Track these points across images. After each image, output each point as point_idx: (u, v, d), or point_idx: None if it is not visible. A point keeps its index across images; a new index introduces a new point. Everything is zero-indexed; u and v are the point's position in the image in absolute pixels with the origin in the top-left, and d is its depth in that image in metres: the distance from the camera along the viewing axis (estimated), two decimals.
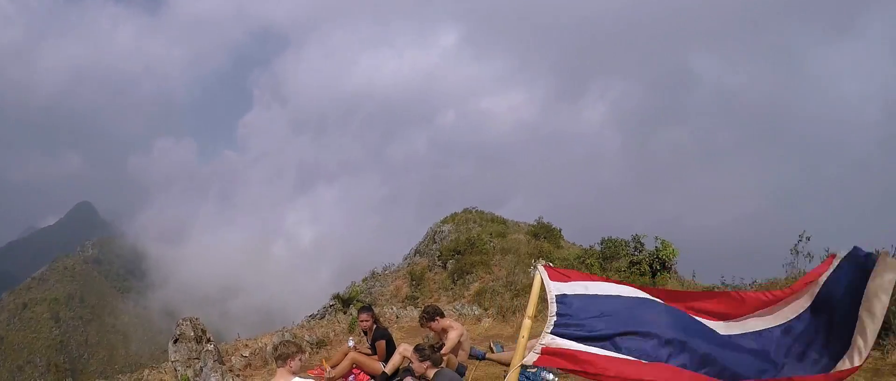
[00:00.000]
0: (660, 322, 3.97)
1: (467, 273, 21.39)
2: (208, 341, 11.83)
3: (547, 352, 3.84)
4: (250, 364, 11.84)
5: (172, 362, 11.59)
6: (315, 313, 23.55)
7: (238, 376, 10.43)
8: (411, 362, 7.74)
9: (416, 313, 16.63)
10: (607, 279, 4.50)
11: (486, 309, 16.25)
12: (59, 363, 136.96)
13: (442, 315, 9.90)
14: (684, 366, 3.76)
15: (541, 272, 4.39)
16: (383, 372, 9.65)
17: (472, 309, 16.38)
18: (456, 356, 9.52)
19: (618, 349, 3.85)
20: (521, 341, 4.09)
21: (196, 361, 10.96)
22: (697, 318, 4.10)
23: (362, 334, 10.90)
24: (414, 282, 23.33)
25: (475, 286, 19.98)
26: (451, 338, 9.46)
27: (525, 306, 14.35)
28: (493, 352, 10.97)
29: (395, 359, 9.61)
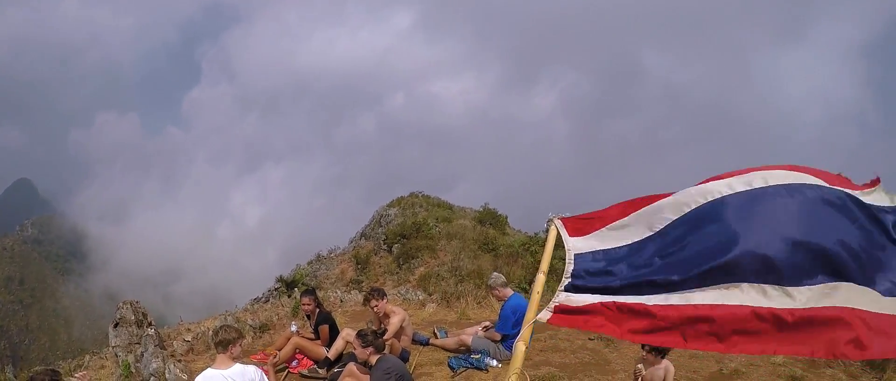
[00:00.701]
0: (704, 244, 3.37)
1: (412, 258, 21.43)
2: (149, 325, 11.67)
3: (560, 310, 3.65)
4: (193, 349, 11.72)
5: (113, 347, 11.42)
6: (259, 296, 23.36)
7: (180, 361, 10.32)
8: (354, 347, 7.75)
9: (360, 297, 16.63)
10: (642, 202, 4.07)
11: (430, 294, 16.31)
12: None
13: (385, 297, 9.95)
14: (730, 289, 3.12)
15: (557, 226, 4.30)
16: (326, 357, 9.66)
17: (416, 294, 16.44)
18: (399, 341, 9.59)
19: (640, 293, 3.48)
20: (535, 296, 3.84)
21: (137, 346, 10.82)
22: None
23: (305, 318, 10.88)
24: (359, 266, 23.30)
25: (420, 271, 20.03)
26: (394, 323, 9.51)
27: (469, 292, 14.50)
28: (437, 338, 11.08)
29: (339, 344, 9.63)
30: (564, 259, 3.97)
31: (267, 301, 19.84)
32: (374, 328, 9.24)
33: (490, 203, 27.63)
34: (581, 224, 4.28)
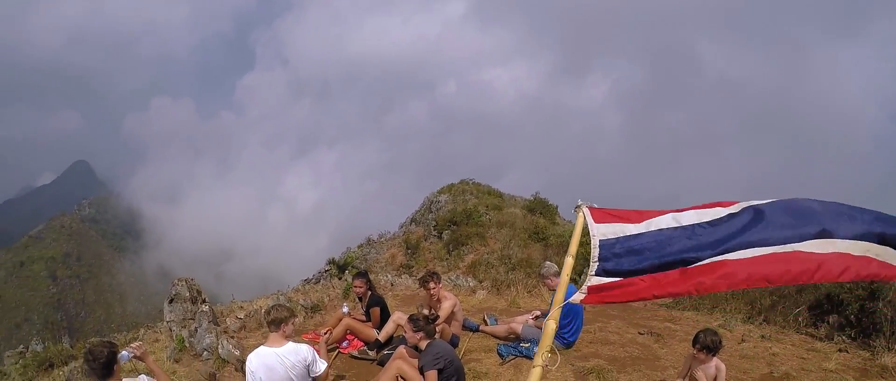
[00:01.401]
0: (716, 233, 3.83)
1: (462, 245, 21.43)
2: (203, 302, 11.88)
3: (593, 290, 3.80)
4: (245, 326, 11.91)
5: (168, 322, 11.66)
6: (310, 277, 23.62)
7: (233, 337, 10.49)
8: (405, 331, 7.80)
9: (411, 281, 16.70)
10: (658, 213, 4.31)
11: (480, 281, 16.32)
12: (55, 320, 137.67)
13: (441, 281, 9.98)
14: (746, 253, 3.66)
15: (584, 213, 4.35)
16: (377, 339, 9.73)
17: (466, 281, 16.45)
18: (449, 326, 9.61)
19: (665, 268, 3.76)
20: (564, 278, 4.05)
21: (191, 321, 11.02)
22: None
23: (357, 300, 10.96)
24: (409, 251, 23.40)
25: (470, 258, 20.04)
26: (445, 308, 9.53)
27: (519, 281, 14.45)
28: (486, 325, 11.07)
29: (389, 327, 9.69)
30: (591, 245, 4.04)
31: (318, 282, 20.03)
32: (425, 312, 9.28)
33: (540, 193, 27.53)
34: (607, 215, 4.34)
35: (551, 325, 3.75)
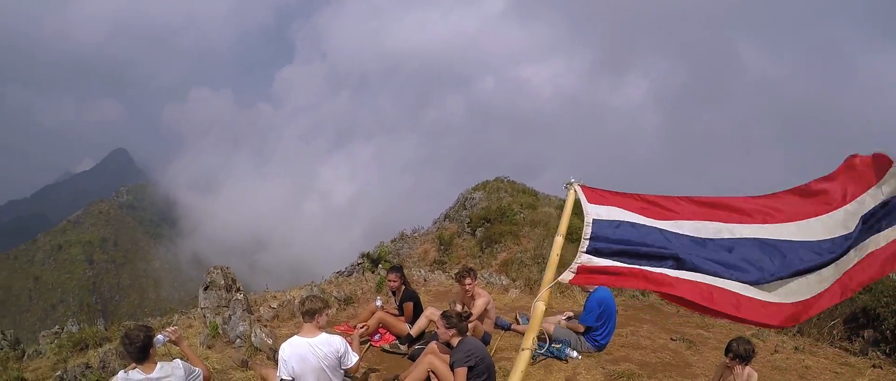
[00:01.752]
0: (707, 250, 3.84)
1: (496, 242, 21.38)
2: (238, 290, 12.01)
3: (583, 270, 3.73)
4: (278, 316, 11.99)
5: (202, 308, 11.80)
6: (342, 270, 23.71)
7: (265, 326, 10.58)
8: (437, 327, 7.79)
9: (443, 277, 16.70)
10: (647, 201, 4.32)
11: (513, 280, 16.27)
12: (90, 303, 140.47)
13: (476, 278, 9.97)
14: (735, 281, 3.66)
15: (577, 192, 4.31)
16: (409, 334, 9.75)
17: (499, 279, 16.41)
18: (482, 323, 9.60)
19: (657, 265, 3.73)
20: (553, 258, 3.92)
21: (225, 309, 11.14)
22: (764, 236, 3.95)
23: (390, 294, 10.99)
24: (442, 247, 23.38)
25: (503, 256, 19.98)
26: (479, 306, 9.52)
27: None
28: (518, 324, 11.04)
29: (422, 322, 9.71)
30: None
31: (350, 275, 20.10)
32: (457, 309, 9.28)
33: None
34: (601, 196, 4.30)
35: (540, 306, 3.69)
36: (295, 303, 12.24)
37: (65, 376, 8.26)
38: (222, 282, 11.95)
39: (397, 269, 10.65)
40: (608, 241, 3.86)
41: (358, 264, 22.90)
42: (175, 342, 6.01)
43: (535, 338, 3.55)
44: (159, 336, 5.78)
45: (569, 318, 10.34)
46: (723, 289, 3.58)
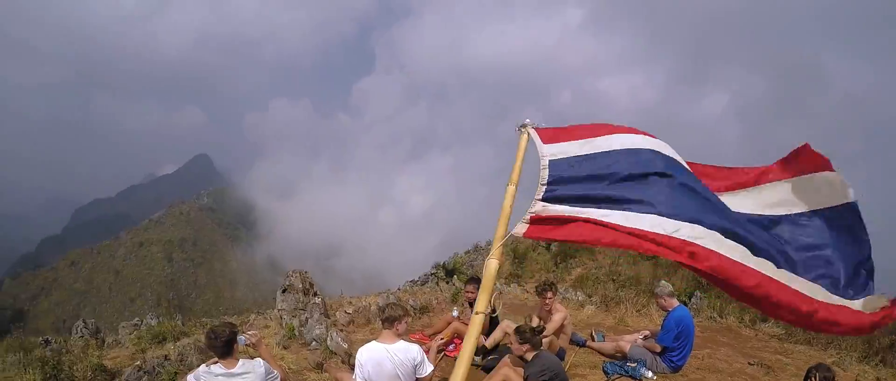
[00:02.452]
0: (661, 187, 3.70)
1: (570, 258, 21.28)
2: (315, 294, 12.20)
3: (536, 221, 3.61)
4: (353, 321, 12.12)
5: (279, 310, 12.01)
6: (416, 279, 23.83)
7: (341, 330, 10.71)
8: (511, 342, 7.77)
9: (518, 290, 16.66)
10: (606, 127, 4.23)
11: (589, 296, 16.12)
12: (167, 299, 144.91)
13: (556, 293, 9.93)
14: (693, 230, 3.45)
15: (531, 134, 4.19)
16: (483, 345, 9.73)
17: (575, 294, 16.28)
18: (558, 338, 9.53)
19: (615, 206, 3.58)
20: (505, 209, 3.75)
21: (302, 312, 11.33)
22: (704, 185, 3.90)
23: (466, 305, 10.99)
24: (516, 260, 23.31)
25: (577, 272, 19.86)
26: (555, 321, 9.47)
27: (629, 298, 14.18)
28: (594, 341, 10.94)
29: (497, 335, 9.68)
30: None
31: (424, 285, 20.20)
32: (532, 324, 9.23)
33: None
34: (557, 134, 4.20)
35: (492, 264, 3.54)
36: (371, 309, 12.36)
37: (143, 366, 8.50)
38: (300, 286, 12.15)
39: (475, 280, 10.63)
40: (566, 182, 3.78)
41: (431, 274, 22.97)
42: (254, 346, 6.14)
43: (489, 303, 3.42)
44: (241, 337, 5.92)
45: (645, 337, 10.19)
46: (687, 242, 3.39)
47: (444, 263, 23.62)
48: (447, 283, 18.44)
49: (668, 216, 3.50)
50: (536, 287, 10.45)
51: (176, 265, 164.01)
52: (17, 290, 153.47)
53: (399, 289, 18.01)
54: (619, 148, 3.97)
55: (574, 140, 4.11)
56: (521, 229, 3.62)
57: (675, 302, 9.54)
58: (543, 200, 3.71)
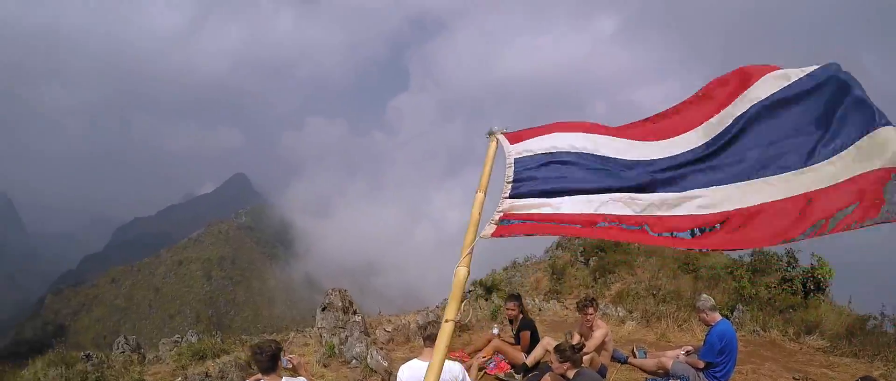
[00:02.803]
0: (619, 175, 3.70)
1: (610, 272, 21.12)
2: (354, 312, 12.25)
3: (504, 219, 3.60)
4: (393, 339, 12.15)
5: (319, 328, 12.07)
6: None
7: (381, 348, 10.74)
8: (551, 361, 7.72)
9: (558, 307, 16.58)
10: (568, 126, 4.26)
11: (630, 312, 15.99)
12: (206, 316, 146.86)
13: (597, 309, 9.87)
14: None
15: (499, 140, 4.19)
16: (524, 363, 9.70)
17: (615, 310, 16.15)
18: (599, 355, 9.46)
19: (578, 193, 3.62)
20: (474, 216, 3.68)
21: (342, 330, 11.37)
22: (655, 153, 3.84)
23: (507, 322, 10.97)
24: (555, 276, 23.19)
25: (616, 287, 19.71)
26: (596, 337, 9.40)
27: (670, 313, 14.04)
28: (635, 357, 10.83)
29: (538, 352, 9.64)
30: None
31: (462, 302, 20.15)
32: (572, 341, 9.17)
33: None
34: (522, 135, 4.22)
35: (461, 272, 3.51)
36: (410, 327, 12.39)
37: None
38: (340, 304, 12.20)
39: (516, 297, 10.61)
40: (530, 180, 3.80)
41: (469, 291, 22.93)
42: (295, 368, 6.18)
43: (459, 311, 3.38)
44: (283, 359, 5.97)
45: (688, 352, 10.06)
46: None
47: (482, 279, 23.57)
48: (486, 300, 18.40)
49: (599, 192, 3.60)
50: (577, 303, 10.39)
51: (214, 283, 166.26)
52: (58, 306, 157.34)
53: (437, 306, 18.01)
54: (580, 147, 4.01)
55: (539, 136, 4.17)
56: (489, 230, 3.59)
57: (717, 316, 9.40)
58: (510, 197, 3.75)
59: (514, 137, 4.22)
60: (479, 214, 3.75)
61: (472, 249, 3.48)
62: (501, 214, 3.65)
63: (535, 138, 4.15)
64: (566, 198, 3.63)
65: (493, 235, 3.58)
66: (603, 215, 3.47)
